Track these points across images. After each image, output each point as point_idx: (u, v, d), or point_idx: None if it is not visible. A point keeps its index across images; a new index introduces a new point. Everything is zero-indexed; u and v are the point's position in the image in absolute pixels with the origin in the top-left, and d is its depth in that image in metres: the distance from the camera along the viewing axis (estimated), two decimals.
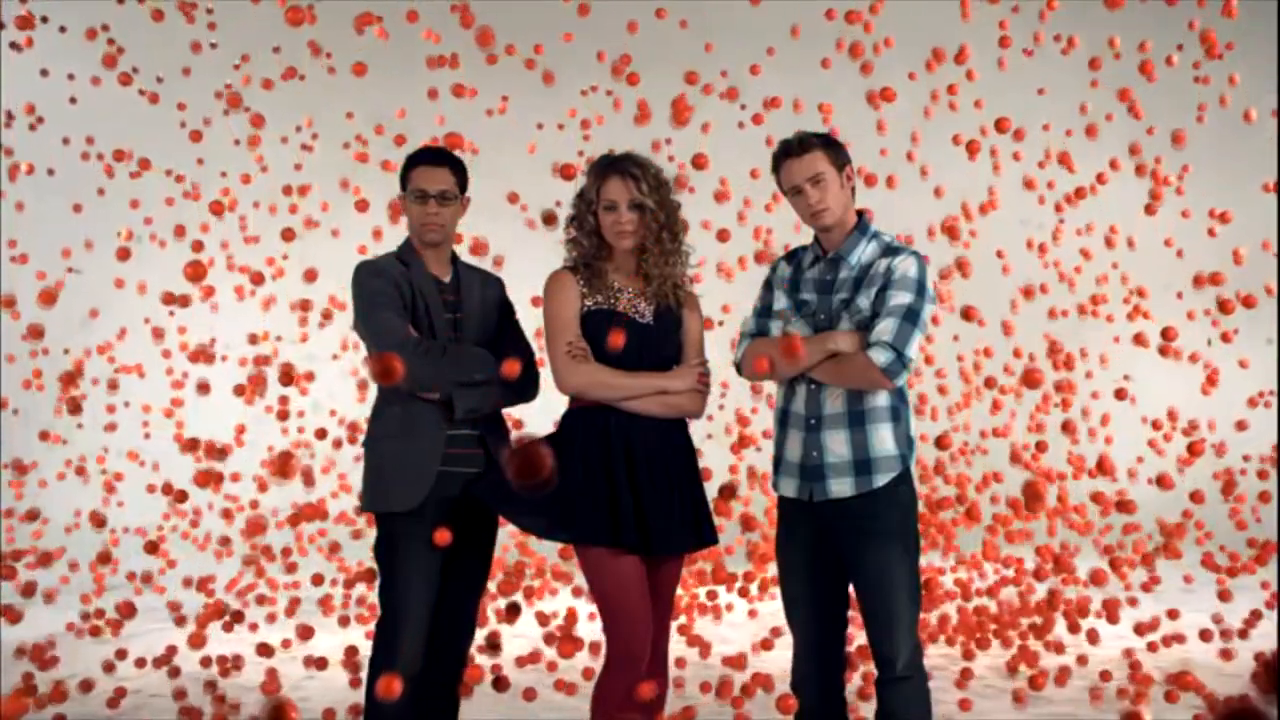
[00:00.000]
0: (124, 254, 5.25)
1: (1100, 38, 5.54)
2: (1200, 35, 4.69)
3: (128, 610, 4.95)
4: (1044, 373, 4.91)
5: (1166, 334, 4.77)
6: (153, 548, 5.00)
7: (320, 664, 4.76)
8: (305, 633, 5.24)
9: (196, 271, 3.77)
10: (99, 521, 5.16)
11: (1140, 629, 4.96)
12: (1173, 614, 5.18)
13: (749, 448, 5.83)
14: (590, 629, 5.17)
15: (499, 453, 3.25)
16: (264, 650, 4.89)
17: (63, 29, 6.26)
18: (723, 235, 5.16)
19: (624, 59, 5.35)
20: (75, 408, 5.00)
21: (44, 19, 5.45)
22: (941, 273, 4.88)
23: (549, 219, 3.35)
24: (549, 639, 4.39)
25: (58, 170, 6.87)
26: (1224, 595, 5.04)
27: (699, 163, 3.53)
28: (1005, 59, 5.69)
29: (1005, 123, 5.20)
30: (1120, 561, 5.26)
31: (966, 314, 4.51)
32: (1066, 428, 5.06)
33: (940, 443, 4.32)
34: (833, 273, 3.08)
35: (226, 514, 6.11)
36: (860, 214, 3.14)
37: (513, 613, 3.57)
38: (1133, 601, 5.29)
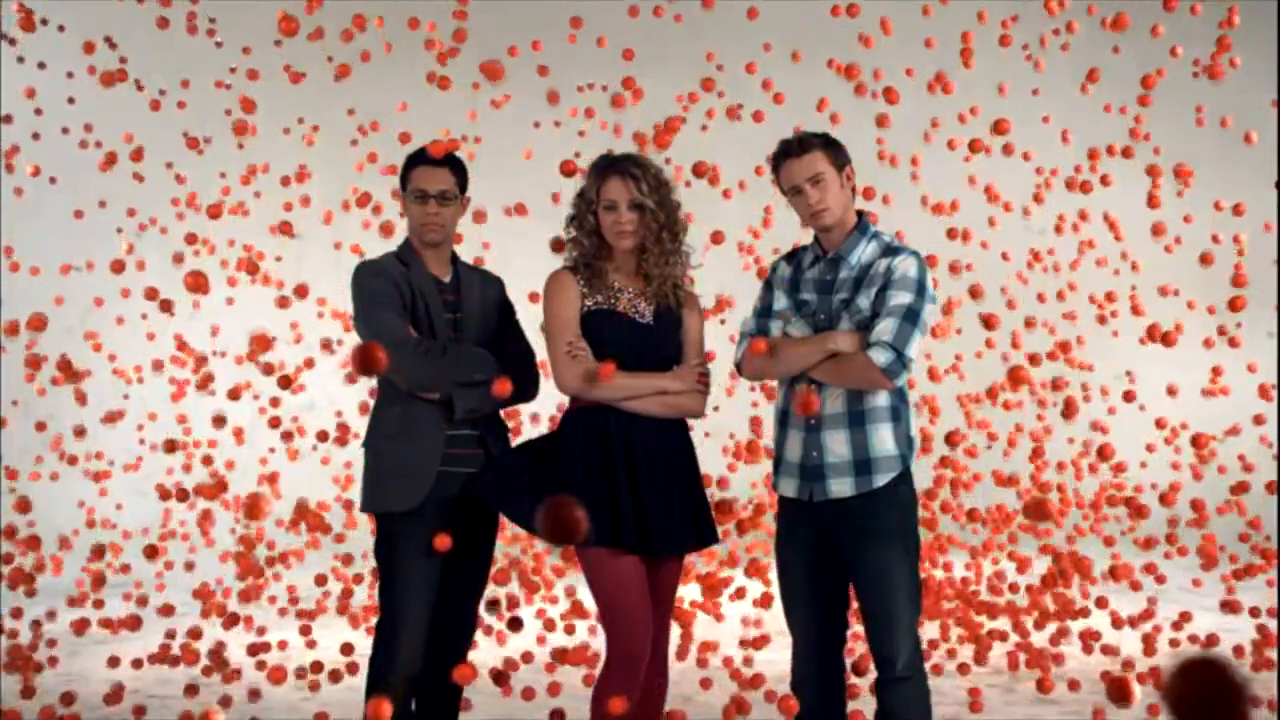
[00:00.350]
0: (119, 266, 5.23)
1: (1100, 38, 5.53)
2: (1212, 61, 4.68)
3: (134, 624, 4.93)
4: (1027, 367, 4.86)
5: (1167, 339, 4.76)
6: (152, 552, 5.00)
7: (316, 668, 4.73)
8: (305, 632, 5.24)
9: (198, 282, 3.76)
10: (99, 554, 5.16)
11: (1148, 639, 4.94)
12: (1185, 616, 5.14)
13: (758, 461, 5.79)
14: (587, 632, 5.17)
15: (499, 452, 3.26)
16: (260, 648, 4.89)
17: (61, 28, 6.25)
18: (717, 237, 5.14)
19: (627, 82, 5.35)
20: (73, 375, 4.98)
21: (43, 21, 5.44)
22: (944, 307, 4.86)
23: (557, 247, 3.36)
24: (558, 655, 4.37)
25: (59, 177, 6.87)
26: (1233, 606, 5.00)
27: (699, 170, 3.51)
28: (1006, 85, 5.67)
29: (1004, 124, 5.15)
30: (1121, 570, 5.23)
31: (988, 323, 4.46)
32: (1068, 414, 5.01)
33: (950, 439, 4.28)
34: (833, 273, 3.08)
35: (208, 516, 6.07)
36: (860, 214, 3.14)
37: (515, 626, 3.57)
38: (1148, 614, 5.25)
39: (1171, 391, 5.75)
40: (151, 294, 4.54)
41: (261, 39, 6.10)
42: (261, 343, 4.19)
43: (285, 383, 4.66)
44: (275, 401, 5.76)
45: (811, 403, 2.80)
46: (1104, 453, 4.37)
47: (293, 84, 5.90)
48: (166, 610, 5.30)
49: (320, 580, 5.63)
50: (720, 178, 5.51)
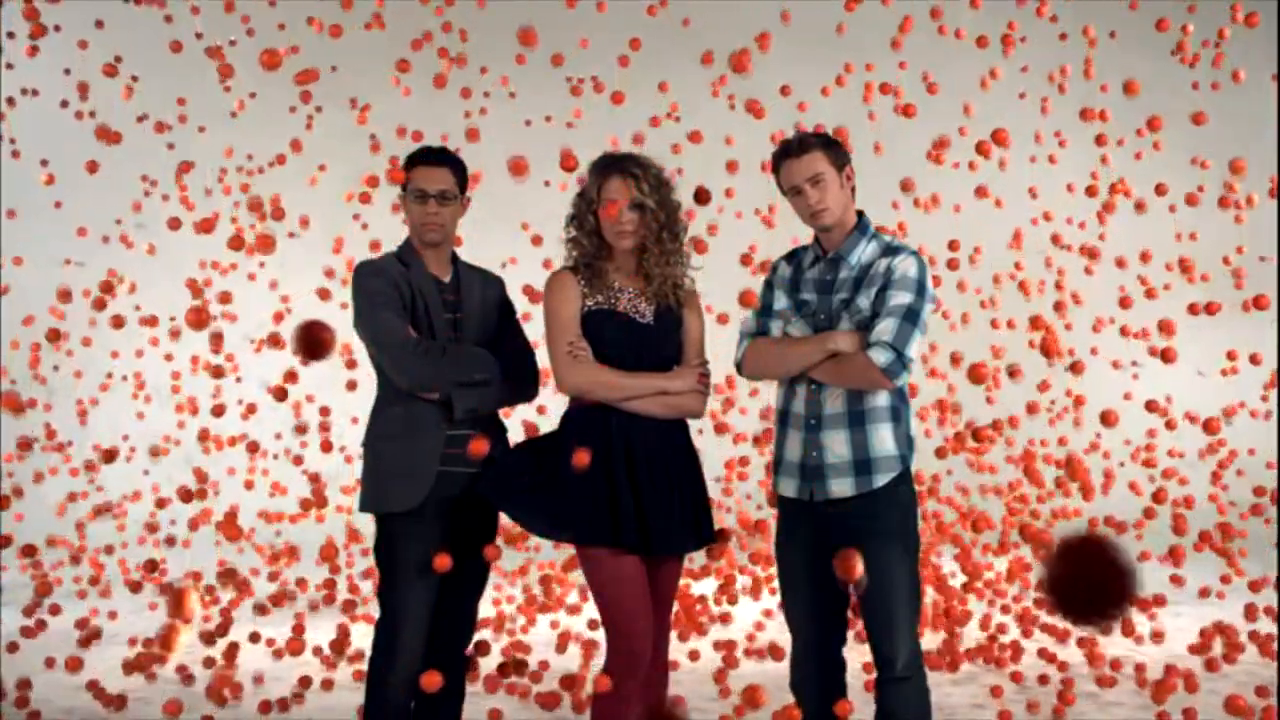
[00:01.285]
0: (101, 303, 5.21)
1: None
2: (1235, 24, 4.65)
3: (148, 662, 4.88)
4: (988, 364, 4.76)
5: (1166, 354, 4.75)
6: (152, 565, 4.98)
7: (303, 681, 4.71)
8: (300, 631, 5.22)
9: (200, 318, 3.76)
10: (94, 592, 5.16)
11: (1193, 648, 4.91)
12: (1220, 628, 5.06)
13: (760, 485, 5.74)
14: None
15: (500, 452, 3.26)
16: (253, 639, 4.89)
17: (58, 28, 6.23)
18: (700, 247, 5.12)
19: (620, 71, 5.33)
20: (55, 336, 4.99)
21: (56, 27, 5.42)
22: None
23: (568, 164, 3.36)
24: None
25: (64, 202, 6.88)
26: (1251, 609, 4.97)
27: (703, 197, 3.51)
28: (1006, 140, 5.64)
29: (1002, 134, 5.06)
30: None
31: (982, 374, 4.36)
32: (1075, 370, 4.87)
33: (977, 435, 4.19)
34: (833, 273, 3.08)
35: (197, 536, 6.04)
36: (860, 214, 3.14)
37: (504, 670, 3.58)
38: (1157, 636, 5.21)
39: (1168, 358, 5.61)
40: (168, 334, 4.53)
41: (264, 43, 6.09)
42: (265, 243, 4.19)
43: (282, 395, 4.67)
44: (253, 407, 5.74)
45: (853, 565, 2.80)
46: (1108, 419, 4.32)
47: (304, 102, 5.88)
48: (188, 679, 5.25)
49: (330, 584, 5.62)
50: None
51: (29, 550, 4.59)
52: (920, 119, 5.36)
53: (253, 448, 5.70)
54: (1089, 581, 1.03)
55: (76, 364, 7.20)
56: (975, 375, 3.71)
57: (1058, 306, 5.67)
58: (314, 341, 1.59)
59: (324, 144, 6.71)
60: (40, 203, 7.13)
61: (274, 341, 5.02)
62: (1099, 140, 5.54)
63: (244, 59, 5.89)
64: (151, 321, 6.00)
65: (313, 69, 4.39)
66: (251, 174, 6.79)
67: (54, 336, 4.96)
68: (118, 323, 5.24)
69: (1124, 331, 5.74)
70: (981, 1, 5.08)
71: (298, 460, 5.92)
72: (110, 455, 4.89)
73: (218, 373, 5.34)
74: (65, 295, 5.56)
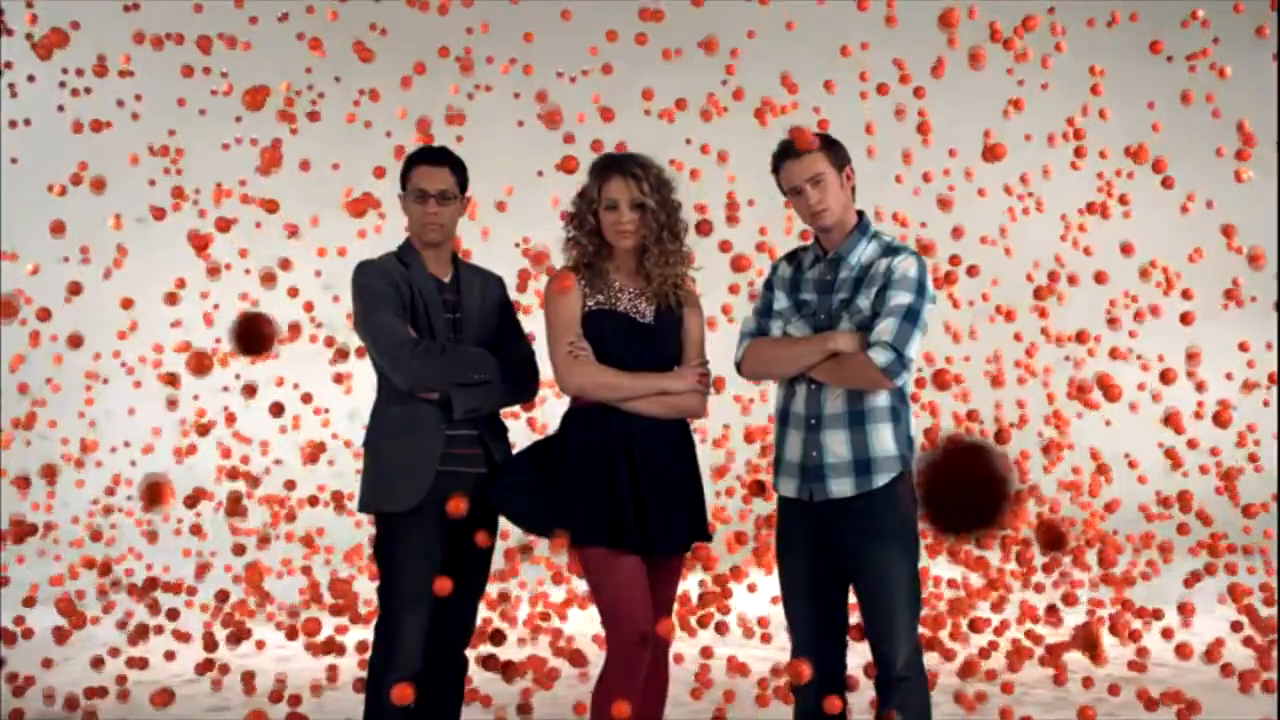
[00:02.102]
0: (76, 288, 5.20)
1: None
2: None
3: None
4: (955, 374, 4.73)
5: (1165, 376, 4.74)
6: (152, 584, 4.96)
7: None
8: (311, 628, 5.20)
9: (201, 364, 3.78)
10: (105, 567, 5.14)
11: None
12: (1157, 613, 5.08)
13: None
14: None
15: (498, 452, 3.27)
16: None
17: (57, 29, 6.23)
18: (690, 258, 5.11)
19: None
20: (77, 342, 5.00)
21: (70, 24, 5.40)
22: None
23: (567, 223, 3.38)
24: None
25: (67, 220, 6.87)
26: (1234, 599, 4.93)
27: (703, 229, 3.50)
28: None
29: (1000, 149, 5.04)
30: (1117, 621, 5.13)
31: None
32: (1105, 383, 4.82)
33: (999, 437, 4.15)
34: (833, 273, 3.08)
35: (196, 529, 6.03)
36: (860, 214, 3.14)
37: (507, 671, 3.58)
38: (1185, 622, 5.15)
39: (1168, 379, 5.55)
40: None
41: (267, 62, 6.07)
42: (271, 159, 4.18)
43: (279, 410, 4.67)
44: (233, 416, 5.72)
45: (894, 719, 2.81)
46: (1110, 393, 4.33)
47: (313, 120, 5.88)
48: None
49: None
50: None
51: (30, 530, 4.56)
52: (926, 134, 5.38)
53: (233, 474, 5.65)
54: (962, 491, 0.99)
55: (76, 365, 7.19)
56: (940, 381, 3.72)
57: (1052, 277, 5.67)
58: (254, 335, 1.43)
59: (326, 146, 6.72)
60: (38, 201, 7.14)
61: (248, 391, 4.99)
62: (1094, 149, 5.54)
63: (243, 63, 5.92)
64: (125, 303, 6.02)
65: (263, 87, 4.40)
66: (253, 141, 6.71)
67: (44, 316, 4.94)
68: (74, 341, 5.23)
69: (1115, 349, 5.75)
70: (985, 60, 5.05)
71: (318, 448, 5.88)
72: (50, 471, 4.88)
73: (170, 379, 5.31)
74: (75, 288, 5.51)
